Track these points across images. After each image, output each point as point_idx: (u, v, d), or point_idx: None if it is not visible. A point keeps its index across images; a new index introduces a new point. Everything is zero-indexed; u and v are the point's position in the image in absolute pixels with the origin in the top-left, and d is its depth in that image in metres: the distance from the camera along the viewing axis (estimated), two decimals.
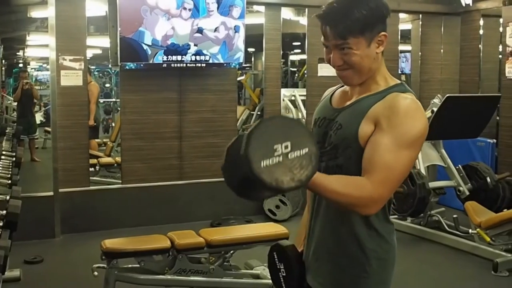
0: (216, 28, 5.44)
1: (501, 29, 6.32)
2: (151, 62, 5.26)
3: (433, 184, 5.27)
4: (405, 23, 7.10)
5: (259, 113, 7.83)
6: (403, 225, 5.39)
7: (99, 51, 9.97)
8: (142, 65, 5.28)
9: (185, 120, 5.72)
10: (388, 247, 1.72)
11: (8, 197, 2.86)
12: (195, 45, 5.39)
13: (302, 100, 7.13)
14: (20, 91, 8.32)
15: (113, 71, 11.22)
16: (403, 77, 8.82)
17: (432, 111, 5.15)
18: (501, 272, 4.30)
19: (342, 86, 1.81)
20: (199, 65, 5.48)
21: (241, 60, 5.66)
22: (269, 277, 1.99)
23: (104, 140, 8.05)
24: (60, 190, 5.24)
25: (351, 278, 1.70)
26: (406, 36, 7.56)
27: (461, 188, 5.29)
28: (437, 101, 5.24)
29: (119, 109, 6.13)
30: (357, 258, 1.68)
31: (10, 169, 3.81)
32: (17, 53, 12.44)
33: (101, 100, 10.70)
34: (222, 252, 3.70)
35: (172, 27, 5.27)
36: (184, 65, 5.42)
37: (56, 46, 5.13)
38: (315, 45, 6.01)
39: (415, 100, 1.63)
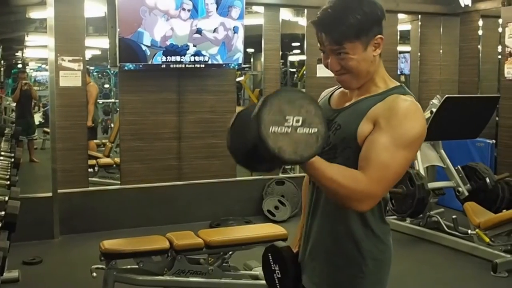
0: (215, 28, 5.44)
1: (500, 30, 6.33)
2: (150, 62, 5.26)
3: (432, 185, 5.27)
4: (404, 23, 7.11)
5: None
6: (402, 226, 5.39)
7: (98, 52, 9.98)
8: (141, 65, 5.28)
9: (184, 121, 5.72)
10: (384, 248, 1.73)
11: (6, 198, 2.85)
12: (194, 45, 5.39)
13: None
14: (19, 92, 8.33)
15: (112, 71, 11.23)
16: (402, 78, 8.83)
17: (431, 112, 5.15)
18: (501, 273, 4.30)
19: (341, 87, 1.82)
20: (198, 65, 5.48)
21: (240, 60, 5.66)
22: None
23: (103, 141, 8.05)
24: (59, 191, 5.23)
25: (347, 278, 1.71)
26: (405, 37, 7.57)
27: (460, 189, 5.29)
28: (436, 101, 5.25)
29: (118, 109, 6.12)
30: (353, 258, 1.69)
31: (9, 170, 3.81)
32: (16, 54, 12.45)
33: (100, 101, 10.71)
34: (221, 253, 3.71)
35: (171, 28, 5.26)
36: (183, 65, 5.41)
37: (55, 47, 5.13)
38: (314, 45, 5.97)
39: (415, 103, 1.63)
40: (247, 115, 1.47)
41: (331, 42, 1.62)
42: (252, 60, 11.60)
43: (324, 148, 1.70)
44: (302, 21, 6.73)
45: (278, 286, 1.88)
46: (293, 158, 1.41)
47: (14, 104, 8.90)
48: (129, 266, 3.58)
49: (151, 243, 3.62)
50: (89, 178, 5.62)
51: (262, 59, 6.12)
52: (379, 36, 1.64)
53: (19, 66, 12.79)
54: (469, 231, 4.73)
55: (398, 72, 7.91)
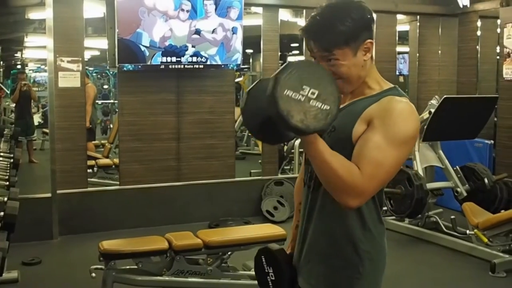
0: (214, 29, 5.44)
1: (498, 30, 6.33)
2: (149, 63, 5.26)
3: (431, 185, 5.28)
4: (402, 24, 7.12)
5: None
6: (401, 226, 5.39)
7: (97, 53, 9.99)
8: (140, 66, 5.29)
9: (183, 122, 5.72)
10: (380, 248, 1.74)
11: (6, 199, 2.86)
12: (193, 46, 5.39)
13: None
14: (18, 93, 8.33)
15: (111, 72, 11.23)
16: (401, 79, 8.83)
17: (430, 112, 5.16)
18: (499, 273, 4.30)
19: None
20: (197, 66, 5.49)
21: (239, 61, 5.67)
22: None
23: (102, 141, 8.05)
24: (58, 191, 5.23)
25: (344, 279, 1.71)
26: (403, 38, 7.58)
27: (458, 189, 5.30)
28: (434, 102, 5.26)
29: (117, 110, 6.12)
30: (351, 260, 1.69)
31: (8, 171, 3.82)
32: (15, 55, 12.46)
33: (99, 102, 10.72)
34: (220, 253, 3.71)
35: (170, 29, 5.27)
36: (182, 66, 5.42)
37: (54, 48, 5.13)
38: None
39: (409, 104, 1.65)
40: (260, 88, 1.56)
41: (320, 49, 1.64)
42: (251, 60, 11.61)
43: None
44: (301, 21, 6.73)
45: None
46: (299, 126, 1.43)
47: (14, 105, 8.90)
48: (128, 267, 3.59)
49: (150, 244, 3.62)
50: (88, 179, 5.63)
51: (261, 59, 6.12)
52: (368, 40, 1.65)
53: (19, 67, 12.81)
54: (468, 232, 4.73)
55: (397, 73, 7.92)
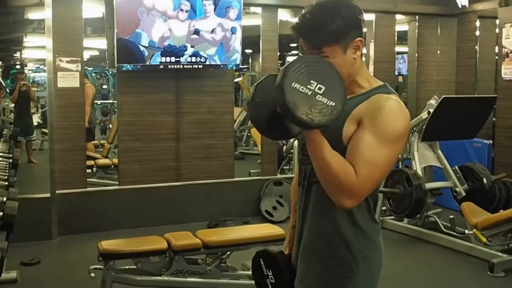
0: (213, 29, 5.44)
1: (497, 31, 6.33)
2: (148, 63, 5.26)
3: (429, 185, 5.28)
4: (401, 24, 7.13)
5: None
6: (400, 226, 5.40)
7: (96, 53, 9.99)
8: (139, 66, 5.29)
9: (182, 122, 5.72)
10: (374, 247, 1.74)
11: (5, 199, 2.86)
12: (192, 46, 5.40)
13: None
14: (17, 93, 8.33)
15: (110, 72, 11.23)
16: (400, 79, 8.83)
17: (429, 112, 5.17)
18: (497, 273, 4.31)
19: None
20: (196, 66, 5.49)
21: (238, 61, 5.67)
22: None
23: (101, 141, 8.05)
24: (57, 191, 5.23)
25: (338, 278, 1.71)
26: (402, 38, 7.58)
27: (457, 189, 5.30)
28: (433, 102, 5.26)
29: (116, 110, 6.12)
30: (344, 259, 1.70)
31: (7, 171, 3.82)
32: (14, 55, 12.46)
33: (99, 102, 10.72)
34: (219, 253, 3.71)
35: (169, 29, 5.27)
36: (181, 66, 5.42)
37: (53, 48, 5.13)
38: None
39: (398, 101, 1.65)
40: (267, 82, 1.60)
41: (310, 46, 1.65)
42: (250, 61, 11.62)
43: None
44: None
45: None
46: (304, 118, 1.45)
47: (13, 105, 8.90)
48: (127, 267, 3.59)
49: (149, 244, 3.62)
50: (87, 179, 5.63)
51: (260, 59, 6.13)
52: (358, 38, 1.65)
53: (18, 67, 12.81)
54: (466, 231, 4.74)
55: (396, 73, 7.92)
